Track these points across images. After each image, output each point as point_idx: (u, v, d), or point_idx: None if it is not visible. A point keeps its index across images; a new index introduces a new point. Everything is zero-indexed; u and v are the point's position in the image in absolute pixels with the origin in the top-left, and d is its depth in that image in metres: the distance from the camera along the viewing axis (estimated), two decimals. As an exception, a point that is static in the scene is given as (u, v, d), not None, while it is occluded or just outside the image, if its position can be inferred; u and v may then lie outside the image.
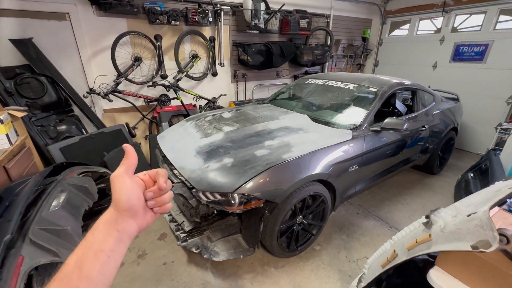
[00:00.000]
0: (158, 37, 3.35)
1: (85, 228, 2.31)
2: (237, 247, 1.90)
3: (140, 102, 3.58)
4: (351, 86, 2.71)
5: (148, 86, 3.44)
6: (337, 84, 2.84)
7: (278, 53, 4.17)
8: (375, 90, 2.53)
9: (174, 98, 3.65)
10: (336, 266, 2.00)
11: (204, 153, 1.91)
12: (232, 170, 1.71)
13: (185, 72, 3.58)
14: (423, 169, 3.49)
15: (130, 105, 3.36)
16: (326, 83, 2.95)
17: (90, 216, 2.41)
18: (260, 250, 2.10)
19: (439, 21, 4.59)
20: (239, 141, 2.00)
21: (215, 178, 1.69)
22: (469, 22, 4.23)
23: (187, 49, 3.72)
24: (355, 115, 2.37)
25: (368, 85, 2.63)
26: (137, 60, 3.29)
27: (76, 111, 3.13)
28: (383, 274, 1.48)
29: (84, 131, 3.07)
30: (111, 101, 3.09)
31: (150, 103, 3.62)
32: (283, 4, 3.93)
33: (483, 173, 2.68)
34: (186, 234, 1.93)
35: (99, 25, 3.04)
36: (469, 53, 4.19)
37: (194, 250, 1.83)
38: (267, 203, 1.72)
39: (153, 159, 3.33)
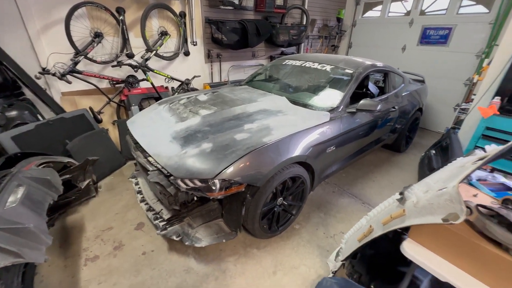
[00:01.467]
0: (120, 10, 3.01)
1: (52, 223, 2.14)
2: (219, 231, 1.90)
3: (104, 84, 3.26)
4: (327, 67, 2.71)
5: (112, 66, 3.13)
6: (314, 65, 2.82)
7: (254, 32, 4.01)
8: (351, 71, 2.56)
9: (143, 80, 3.38)
10: (315, 242, 2.10)
11: (181, 139, 1.81)
12: (212, 155, 1.65)
13: (154, 51, 3.30)
14: (391, 147, 3.71)
15: (93, 87, 3.05)
16: (303, 64, 2.91)
17: (56, 210, 2.23)
18: (242, 233, 2.12)
19: (409, 4, 4.71)
20: (218, 125, 1.92)
21: (194, 164, 1.62)
22: (436, 5, 4.40)
23: (155, 25, 3.41)
24: (332, 97, 2.40)
25: (344, 67, 2.65)
26: (98, 36, 2.94)
27: (28, 94, 2.77)
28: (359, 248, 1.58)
29: (40, 117, 2.74)
30: (70, 82, 2.77)
31: (116, 85, 3.32)
32: (258, -21, 3.72)
33: (444, 150, 2.93)
34: (165, 223, 1.86)
35: (48, -7, 2.63)
36: (434, 36, 4.40)
37: (174, 237, 1.79)
38: (249, 187, 1.70)
39: (123, 146, 3.11)
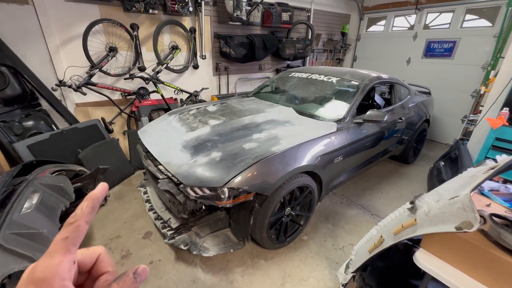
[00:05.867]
0: (134, 26, 3.16)
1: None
2: (226, 241, 1.89)
3: (116, 96, 3.38)
4: (334, 79, 2.77)
5: (125, 79, 3.26)
6: (320, 77, 2.88)
7: (261, 46, 4.14)
8: (357, 83, 2.60)
9: (153, 92, 3.49)
10: (324, 254, 2.06)
11: (191, 147, 1.85)
12: (221, 164, 1.68)
13: (165, 64, 3.43)
14: (399, 159, 3.68)
15: (106, 98, 3.17)
16: (309, 77, 2.98)
17: (66, 219, 2.26)
18: (249, 243, 2.10)
19: (412, 18, 4.82)
20: (227, 135, 1.96)
21: (204, 172, 1.65)
22: (440, 20, 4.49)
23: (166, 40, 3.55)
24: (339, 107, 2.43)
25: (350, 79, 2.70)
26: (112, 50, 3.08)
27: (44, 105, 2.89)
28: (369, 259, 1.55)
29: (54, 127, 2.84)
30: (84, 94, 2.88)
31: (128, 97, 3.43)
32: (265, -4, 3.89)
33: (453, 161, 2.89)
34: (173, 231, 1.87)
35: (68, 11, 2.80)
36: (439, 49, 4.45)
37: (182, 247, 1.79)
38: (257, 196, 1.71)
39: (133, 155, 3.17)
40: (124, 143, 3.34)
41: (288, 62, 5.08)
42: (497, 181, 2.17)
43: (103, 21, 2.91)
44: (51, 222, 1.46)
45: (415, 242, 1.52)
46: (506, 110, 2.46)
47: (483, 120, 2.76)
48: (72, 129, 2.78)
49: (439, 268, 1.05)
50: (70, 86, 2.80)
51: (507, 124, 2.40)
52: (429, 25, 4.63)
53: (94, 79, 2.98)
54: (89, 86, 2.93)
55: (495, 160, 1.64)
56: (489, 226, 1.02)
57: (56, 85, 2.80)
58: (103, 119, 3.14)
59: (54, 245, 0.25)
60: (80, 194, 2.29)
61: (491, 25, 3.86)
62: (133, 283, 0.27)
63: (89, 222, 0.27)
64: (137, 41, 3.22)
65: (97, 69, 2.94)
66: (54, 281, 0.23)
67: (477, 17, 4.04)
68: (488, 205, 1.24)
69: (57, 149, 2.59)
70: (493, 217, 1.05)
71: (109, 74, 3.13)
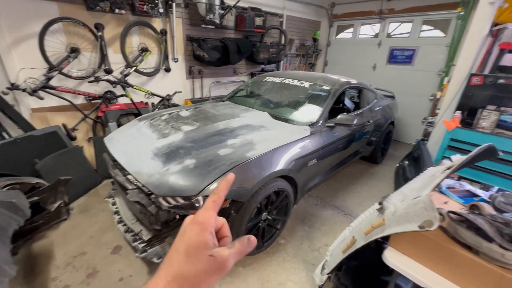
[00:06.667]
0: (99, 26, 2.97)
1: (15, 251, 1.94)
2: (202, 251, 1.83)
3: (80, 100, 3.14)
4: (306, 84, 2.84)
5: (89, 82, 3.04)
6: (293, 82, 2.95)
7: (235, 49, 4.13)
8: (328, 88, 2.70)
9: (122, 96, 3.30)
10: (301, 256, 2.09)
11: (163, 155, 1.77)
12: (195, 172, 1.63)
13: (134, 67, 3.26)
14: (368, 159, 3.89)
15: (67, 103, 2.92)
16: (283, 81, 3.03)
17: (21, 237, 2.03)
18: (226, 251, 2.06)
19: (377, 27, 5.15)
20: (201, 141, 1.91)
21: (177, 181, 1.59)
22: (401, 29, 4.85)
23: (135, 41, 3.39)
24: (312, 112, 2.50)
25: (321, 84, 2.79)
26: (74, 51, 2.86)
27: (-7, 111, 2.58)
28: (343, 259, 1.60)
29: (6, 135, 2.55)
30: (42, 98, 2.63)
31: (93, 101, 3.20)
32: (239, 0, 3.89)
33: (416, 160, 3.13)
34: (145, 244, 1.77)
35: (20, 8, 2.55)
36: (401, 56, 4.81)
37: (155, 260, 1.69)
38: (233, 202, 1.69)
39: (99, 163, 2.96)
40: (89, 151, 3.11)
41: (263, 66, 5.13)
42: (453, 178, 2.38)
43: (63, 19, 2.70)
44: (1, 244, 1.30)
45: (385, 239, 1.61)
46: (458, 113, 2.72)
47: (440, 122, 3.02)
48: (28, 137, 2.52)
49: (405, 265, 1.12)
50: (24, 90, 2.54)
51: (460, 126, 2.66)
52: (391, 34, 4.99)
53: (53, 82, 2.74)
54: (47, 90, 2.68)
55: (450, 160, 1.80)
56: (447, 223, 1.11)
57: (7, 88, 2.53)
58: (64, 126, 2.89)
59: (208, 203, 0.38)
60: (38, 209, 2.08)
61: (444, 35, 4.26)
62: (247, 246, 0.38)
63: (225, 196, 0.40)
64: (103, 42, 3.02)
65: (57, 71, 2.70)
66: (208, 225, 0.36)
67: (433, 27, 4.43)
68: (445, 203, 1.35)
69: (10, 160, 2.33)
70: (450, 214, 1.14)
71: (70, 77, 2.90)
